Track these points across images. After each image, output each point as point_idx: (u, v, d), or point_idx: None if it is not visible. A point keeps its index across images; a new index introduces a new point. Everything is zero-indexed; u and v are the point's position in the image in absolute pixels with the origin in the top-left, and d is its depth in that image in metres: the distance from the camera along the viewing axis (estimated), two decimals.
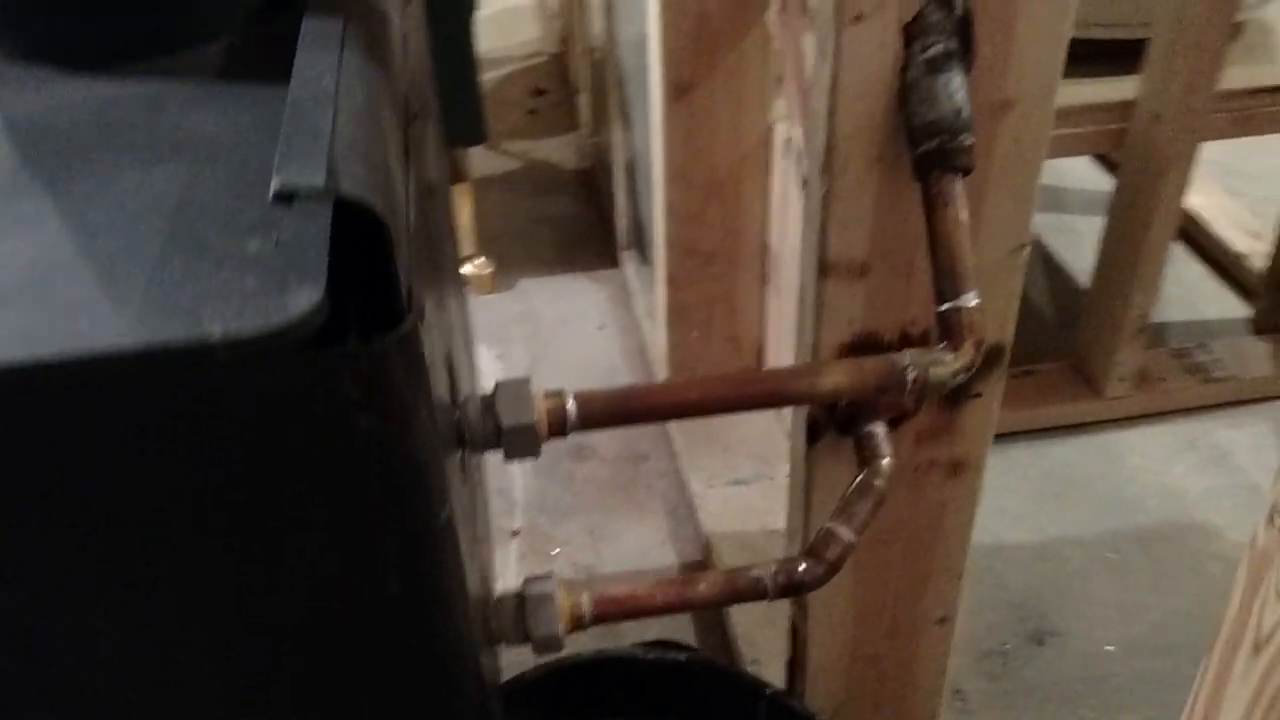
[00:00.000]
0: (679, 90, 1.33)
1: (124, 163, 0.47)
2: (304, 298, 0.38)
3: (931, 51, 0.64)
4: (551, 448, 1.68)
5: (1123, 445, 1.49)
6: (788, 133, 1.34)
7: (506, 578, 1.34)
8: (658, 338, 1.57)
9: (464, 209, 1.85)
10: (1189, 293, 1.76)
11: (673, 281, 1.47)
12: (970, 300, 0.62)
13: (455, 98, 1.70)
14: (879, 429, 0.72)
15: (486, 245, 1.90)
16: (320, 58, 0.47)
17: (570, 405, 0.60)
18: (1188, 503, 1.39)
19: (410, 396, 0.43)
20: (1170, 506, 1.39)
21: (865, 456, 0.72)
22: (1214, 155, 1.51)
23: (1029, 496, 1.42)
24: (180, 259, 0.41)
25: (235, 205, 0.44)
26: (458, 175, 1.85)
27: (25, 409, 0.38)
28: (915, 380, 0.62)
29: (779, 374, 0.70)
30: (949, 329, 0.63)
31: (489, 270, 1.89)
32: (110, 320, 0.38)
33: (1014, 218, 0.73)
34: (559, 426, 0.60)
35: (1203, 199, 1.85)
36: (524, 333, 1.79)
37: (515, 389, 0.60)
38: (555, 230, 2.07)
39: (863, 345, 0.75)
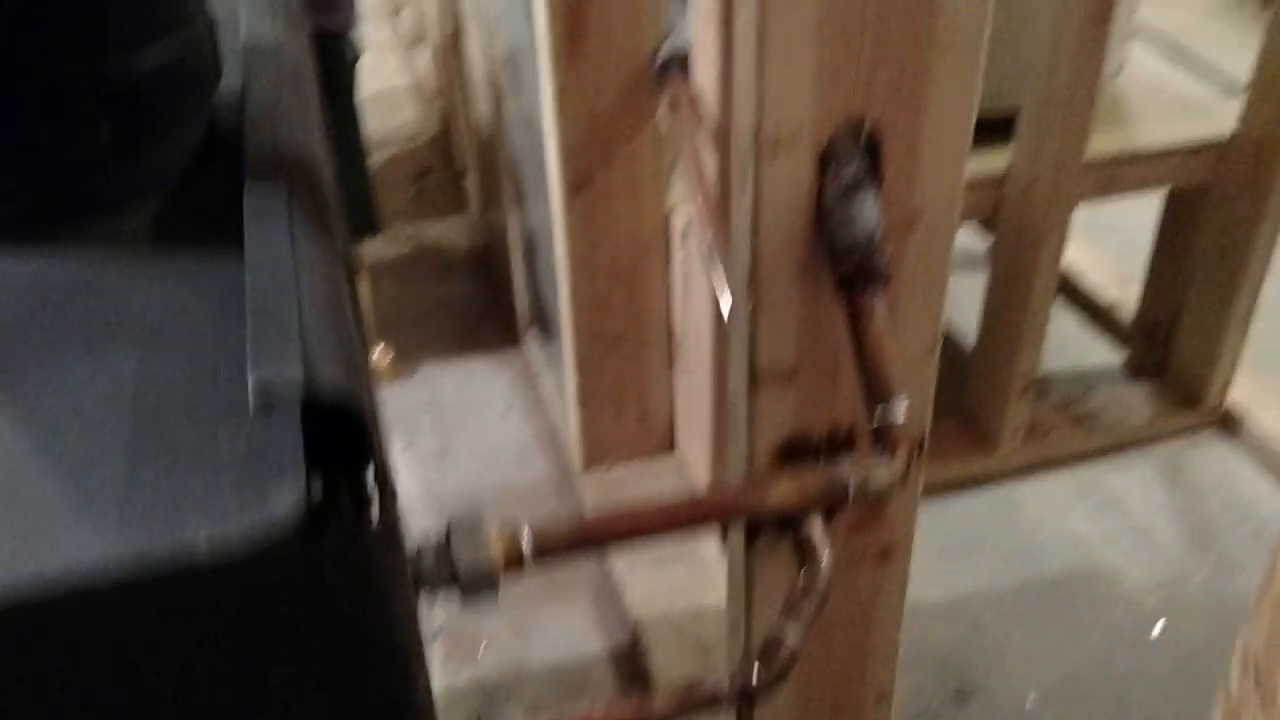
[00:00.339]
0: (578, 185, 1.35)
1: (72, 349, 0.46)
2: (285, 499, 0.38)
3: (845, 177, 0.67)
4: None
5: (1021, 497, 1.55)
6: (685, 218, 1.38)
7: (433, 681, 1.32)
8: (569, 421, 1.58)
9: (361, 298, 1.83)
10: (1067, 342, 1.85)
11: (582, 366, 1.49)
12: (900, 410, 0.65)
13: (347, 189, 1.69)
14: (816, 527, 0.75)
15: (385, 332, 1.89)
16: (272, 236, 0.47)
17: (525, 543, 0.60)
18: (1087, 550, 1.46)
19: (389, 579, 0.43)
20: (1071, 554, 1.45)
21: (805, 555, 0.74)
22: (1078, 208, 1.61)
23: (938, 555, 1.46)
24: (150, 460, 0.40)
25: (196, 394, 0.43)
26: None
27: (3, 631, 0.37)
28: (856, 489, 0.65)
29: (728, 495, 0.72)
30: (882, 437, 0.66)
31: (389, 358, 1.87)
32: (88, 534, 0.37)
33: (926, 320, 0.77)
34: (516, 563, 0.60)
35: (1072, 251, 1.95)
36: (430, 421, 1.77)
37: (470, 531, 0.60)
38: (453, 313, 2.06)
39: (794, 445, 0.77)
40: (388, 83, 2.90)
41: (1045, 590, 1.40)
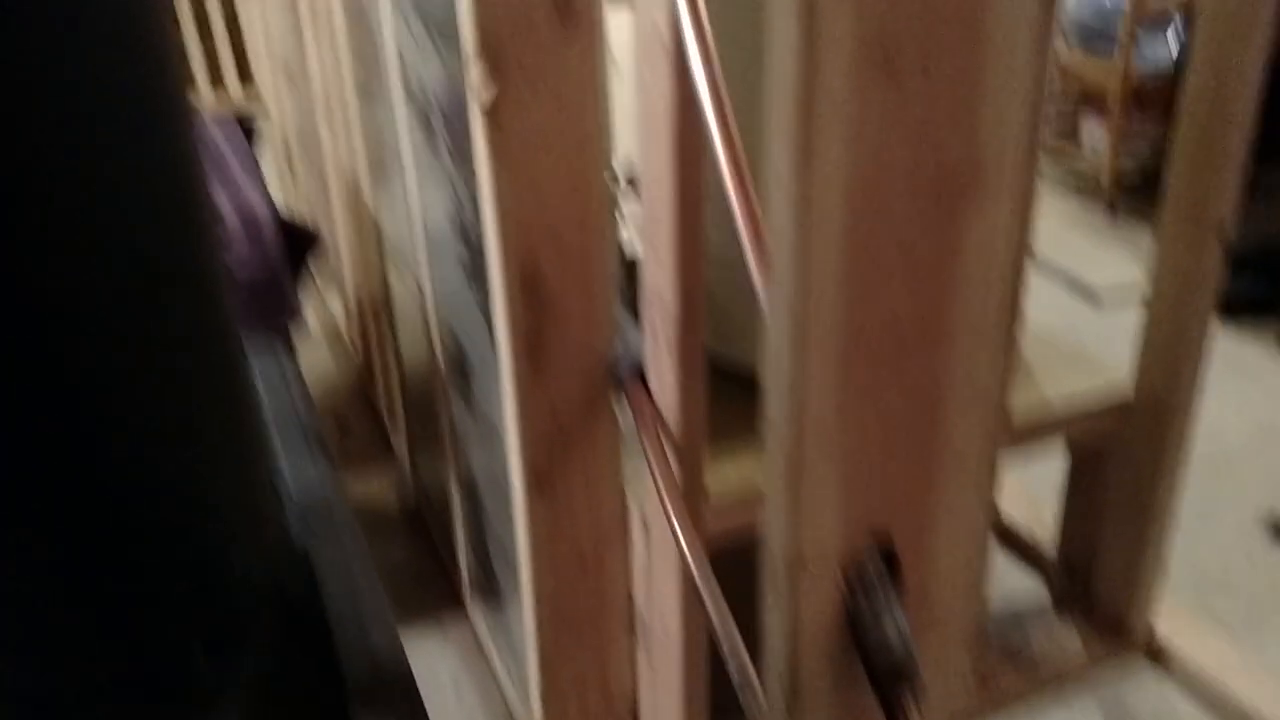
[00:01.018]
0: (539, 485, 1.39)
1: None
2: None
3: (870, 585, 0.73)
4: None
5: None
6: (646, 509, 1.42)
7: None
8: (531, 709, 1.56)
9: None
10: (993, 575, 1.94)
11: (544, 656, 1.49)
12: None
13: None
14: None
15: None
16: None
17: None
18: None
19: None
20: None
21: None
22: None
23: None
24: None
25: None
26: None
27: None
28: None
29: None
30: None
31: None
32: None
33: (948, 696, 0.82)
34: None
35: None
36: None
37: None
38: (389, 577, 2.04)
39: None
40: None
41: None
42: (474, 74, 1.15)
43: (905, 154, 0.60)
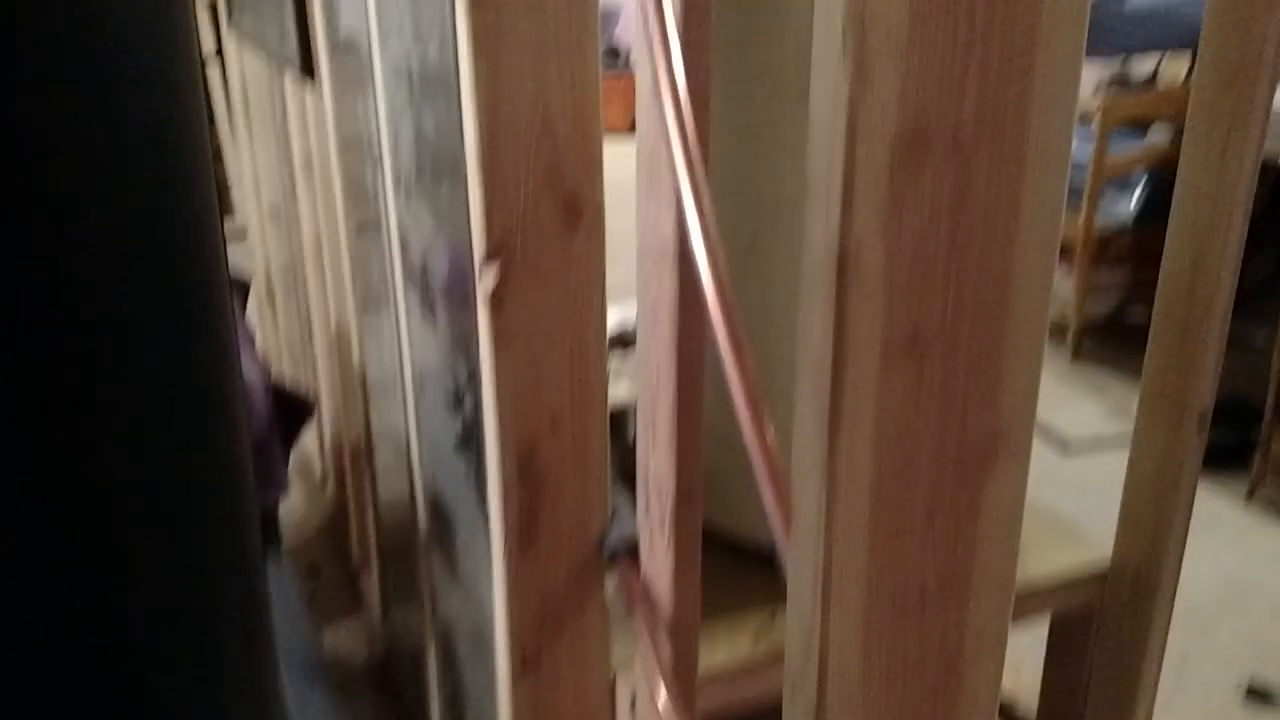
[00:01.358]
0: (526, 664, 1.37)
1: None
2: None
3: None
4: None
5: None
6: (633, 687, 1.40)
7: None
8: None
9: None
10: None
11: None
12: None
13: None
14: None
15: None
16: None
17: None
18: None
19: None
20: None
21: None
22: None
23: None
24: None
25: None
26: None
27: None
28: None
29: None
30: None
31: None
32: None
33: None
34: None
35: None
36: None
37: None
38: None
39: None
40: None
41: None
42: (480, 264, 1.17)
43: (931, 426, 0.62)
